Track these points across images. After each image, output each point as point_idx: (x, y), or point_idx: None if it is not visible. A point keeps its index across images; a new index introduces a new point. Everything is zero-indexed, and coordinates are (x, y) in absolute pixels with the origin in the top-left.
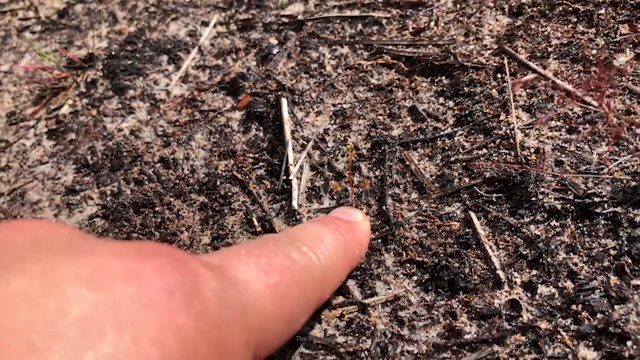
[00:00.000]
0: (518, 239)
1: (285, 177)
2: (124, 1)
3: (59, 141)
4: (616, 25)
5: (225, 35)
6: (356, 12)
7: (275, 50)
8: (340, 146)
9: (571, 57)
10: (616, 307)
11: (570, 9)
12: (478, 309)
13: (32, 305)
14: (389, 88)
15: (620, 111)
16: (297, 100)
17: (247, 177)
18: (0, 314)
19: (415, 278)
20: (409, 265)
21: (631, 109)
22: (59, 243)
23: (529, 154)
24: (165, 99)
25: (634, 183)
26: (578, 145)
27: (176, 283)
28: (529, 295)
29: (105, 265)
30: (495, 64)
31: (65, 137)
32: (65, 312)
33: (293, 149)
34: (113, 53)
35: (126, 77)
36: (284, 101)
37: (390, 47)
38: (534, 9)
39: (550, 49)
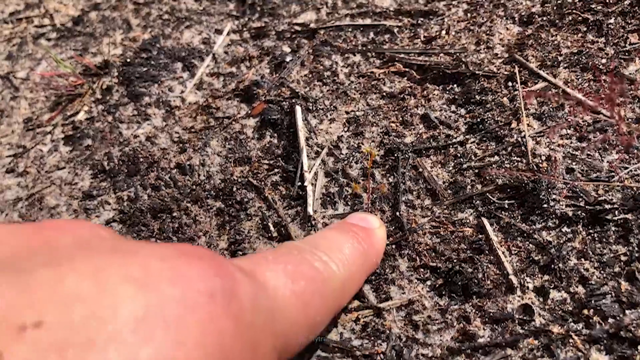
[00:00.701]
0: (530, 244)
1: (300, 184)
2: (137, 9)
3: (75, 147)
4: (626, 35)
5: (238, 43)
6: (368, 21)
7: (288, 58)
8: (354, 153)
9: (581, 66)
10: (627, 312)
11: (579, 18)
12: (491, 313)
13: (87, 303)
14: (401, 96)
15: (630, 120)
16: (310, 107)
17: (263, 183)
18: (58, 311)
19: (429, 283)
20: (422, 270)
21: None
22: (104, 244)
23: (540, 161)
24: (180, 105)
25: None
26: (589, 153)
27: (217, 286)
28: (541, 300)
29: (152, 266)
30: (506, 73)
31: (82, 143)
32: (118, 312)
33: (307, 155)
34: (128, 60)
35: (141, 84)
36: (298, 109)
37: (402, 55)
38: (544, 18)
39: (560, 58)
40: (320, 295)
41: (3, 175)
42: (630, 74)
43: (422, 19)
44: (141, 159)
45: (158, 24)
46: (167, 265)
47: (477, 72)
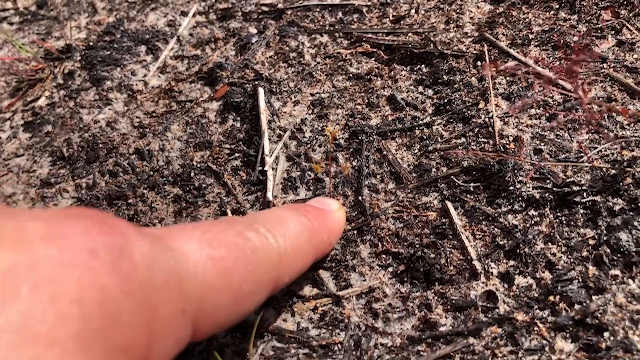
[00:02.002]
0: (495, 229)
1: (260, 168)
2: None
3: (35, 133)
4: (598, 12)
5: (204, 25)
6: (337, 0)
7: (254, 40)
8: (317, 136)
9: (552, 44)
10: (594, 297)
11: None
12: (454, 301)
13: None
14: (368, 77)
15: (601, 98)
16: (274, 89)
17: (223, 168)
18: None
19: (390, 269)
20: (384, 256)
21: (612, 96)
22: None
23: (507, 142)
24: (143, 89)
25: (613, 171)
26: (558, 133)
27: (101, 243)
28: (506, 286)
29: (27, 227)
30: (475, 52)
31: (42, 129)
32: None
33: (269, 139)
34: (91, 44)
35: (104, 68)
36: (261, 91)
37: (369, 35)
38: None
39: (531, 36)
40: (246, 263)
41: None
42: (602, 51)
43: None
44: (100, 145)
45: (124, 6)
46: (43, 224)
47: (445, 51)
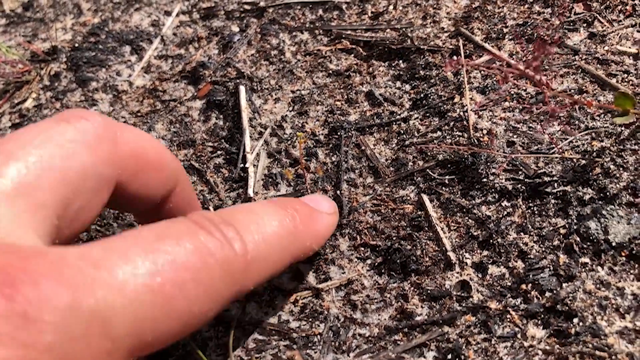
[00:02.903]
0: (469, 220)
1: (242, 165)
2: None
3: None
4: (571, 5)
5: (187, 24)
6: None
7: (236, 38)
8: (297, 133)
9: (526, 37)
10: (564, 285)
11: None
12: (429, 291)
13: None
14: (347, 73)
15: (572, 90)
16: (256, 87)
17: (205, 166)
18: None
19: (369, 262)
20: (363, 249)
21: (583, 87)
22: None
23: (481, 135)
24: (128, 90)
25: (583, 161)
26: (530, 125)
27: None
28: (480, 275)
29: None
30: (451, 47)
31: None
32: None
33: (251, 136)
34: (76, 45)
35: (89, 69)
36: (242, 89)
37: (349, 32)
38: None
39: (506, 30)
40: (198, 284)
41: None
42: (574, 44)
43: None
44: None
45: (109, 7)
46: None
47: (422, 46)
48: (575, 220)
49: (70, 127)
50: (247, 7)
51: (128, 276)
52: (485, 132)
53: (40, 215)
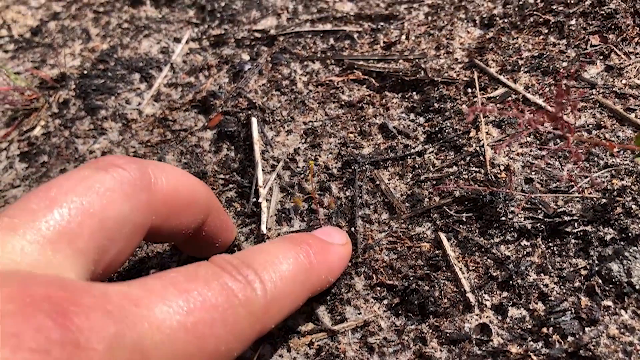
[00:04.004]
0: (488, 260)
1: (254, 200)
2: (97, 17)
3: (31, 164)
4: (587, 37)
5: (197, 52)
6: (328, 26)
7: (246, 67)
8: (309, 161)
9: (542, 69)
10: (587, 329)
11: (541, 20)
12: (448, 334)
13: None
14: (360, 105)
15: (590, 125)
16: (267, 119)
17: (218, 199)
18: None
19: (385, 302)
20: (379, 288)
21: (601, 122)
22: None
23: (498, 171)
24: (137, 118)
25: (604, 200)
26: (548, 162)
27: (54, 340)
28: (500, 318)
29: None
30: (465, 79)
31: (38, 159)
32: None
33: (263, 169)
34: (85, 72)
35: (98, 97)
36: (254, 121)
37: (361, 62)
38: (505, 20)
39: (521, 62)
40: (225, 323)
41: None
42: (591, 77)
43: (382, 24)
44: None
45: (117, 33)
46: (1, 323)
47: (436, 78)
48: (596, 262)
49: (109, 176)
50: (257, 34)
51: (165, 315)
52: (502, 168)
53: (79, 261)
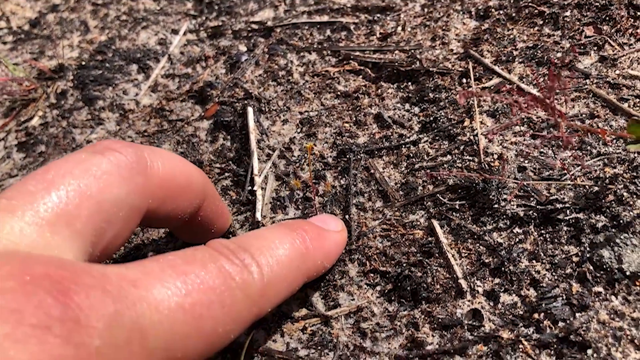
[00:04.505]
0: (480, 247)
1: (250, 188)
2: (96, 10)
3: (28, 154)
4: (581, 28)
5: (195, 43)
6: (325, 18)
7: (243, 58)
8: (306, 155)
9: (537, 60)
10: (577, 315)
11: (536, 11)
12: (440, 319)
13: None
14: (356, 95)
15: (584, 115)
16: (263, 108)
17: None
18: None
19: (378, 288)
20: (372, 275)
21: (595, 112)
22: None
23: (492, 160)
24: (134, 109)
25: (596, 188)
26: (541, 150)
27: (55, 317)
28: (491, 304)
29: None
30: (460, 69)
31: (35, 149)
32: None
33: (258, 158)
34: (83, 63)
35: (96, 88)
36: (250, 110)
37: (357, 53)
38: (501, 12)
39: (515, 53)
40: (223, 305)
41: None
42: (585, 67)
43: (378, 15)
44: None
45: (116, 25)
46: (1, 300)
47: (431, 69)
48: (588, 249)
49: (105, 160)
50: (254, 26)
51: (163, 295)
52: (496, 156)
53: (77, 243)
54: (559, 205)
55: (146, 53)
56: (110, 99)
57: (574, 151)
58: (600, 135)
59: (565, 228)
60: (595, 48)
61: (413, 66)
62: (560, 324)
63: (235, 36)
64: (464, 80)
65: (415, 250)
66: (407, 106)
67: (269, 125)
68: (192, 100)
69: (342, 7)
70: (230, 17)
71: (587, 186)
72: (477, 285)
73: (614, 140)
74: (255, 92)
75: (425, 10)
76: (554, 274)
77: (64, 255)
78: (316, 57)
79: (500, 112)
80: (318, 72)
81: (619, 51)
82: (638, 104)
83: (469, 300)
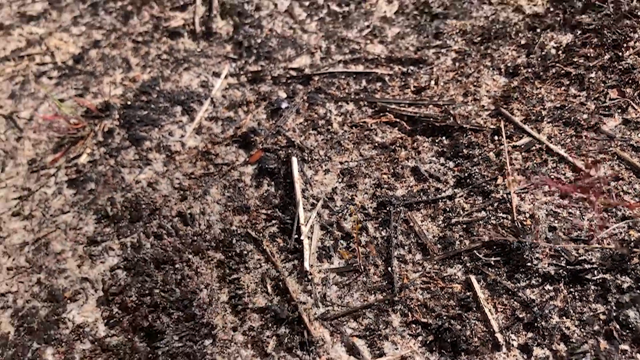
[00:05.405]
0: (515, 302)
1: (296, 237)
2: (136, 47)
3: (79, 190)
4: (605, 90)
5: (236, 87)
6: (360, 68)
7: (284, 105)
8: (348, 205)
9: (564, 120)
10: None
11: (562, 71)
12: None
13: None
14: (393, 147)
15: (609, 177)
16: (306, 157)
17: (261, 234)
18: None
19: (420, 338)
20: (414, 325)
21: (619, 174)
22: None
23: (524, 218)
24: (180, 150)
25: (622, 250)
26: (570, 211)
27: None
28: (525, 357)
29: None
30: (492, 126)
31: (85, 186)
32: None
33: (303, 207)
34: (128, 103)
35: (142, 128)
36: (294, 160)
37: (393, 105)
38: (529, 69)
39: (544, 112)
40: None
41: (9, 218)
42: (610, 129)
43: (412, 68)
44: (143, 206)
45: (157, 63)
46: None
47: (464, 125)
48: (614, 307)
49: None
50: (293, 73)
51: None
52: (527, 215)
53: None
54: (587, 266)
55: (189, 95)
56: (156, 140)
57: (599, 214)
58: (628, 209)
59: (593, 287)
60: (620, 110)
61: (447, 122)
62: None
63: (275, 82)
64: (496, 138)
65: (454, 304)
66: (442, 160)
67: (312, 175)
68: (236, 145)
69: (376, 58)
70: (269, 62)
71: (613, 248)
72: (512, 339)
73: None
74: (298, 141)
75: (457, 64)
76: (582, 330)
77: None
78: (353, 107)
79: (530, 170)
80: (356, 123)
81: None
82: None
83: (504, 353)
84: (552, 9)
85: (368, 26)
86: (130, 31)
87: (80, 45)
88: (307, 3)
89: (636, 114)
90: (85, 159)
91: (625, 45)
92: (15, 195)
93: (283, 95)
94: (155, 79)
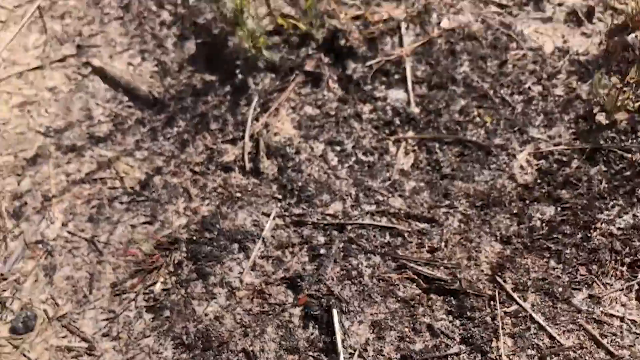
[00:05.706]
0: None
1: None
2: (195, 178)
3: (156, 316)
4: (577, 266)
5: (282, 228)
6: (384, 220)
7: (322, 251)
8: (378, 356)
9: (544, 291)
10: None
11: (545, 245)
12: None
13: None
14: (412, 303)
15: (576, 346)
16: (344, 309)
17: None
18: None
19: None
20: None
21: (584, 345)
22: None
23: None
24: (240, 286)
25: None
26: None
27: None
28: None
29: None
30: (489, 292)
31: (162, 313)
32: None
33: (344, 357)
34: (194, 238)
35: (207, 264)
36: (335, 312)
37: (411, 264)
38: (519, 240)
39: (529, 282)
40: None
41: (101, 338)
42: (578, 302)
43: (425, 226)
44: (213, 338)
45: (214, 196)
46: None
47: (468, 290)
48: None
49: None
50: (329, 219)
51: None
52: None
53: None
54: None
55: (244, 234)
56: (219, 275)
57: None
58: None
59: None
60: (586, 286)
61: (455, 285)
62: None
63: (314, 226)
64: (492, 303)
65: None
66: (450, 318)
67: (349, 326)
68: (286, 285)
69: (397, 212)
70: (309, 206)
71: None
72: None
73: None
74: (337, 291)
75: (462, 227)
76: None
77: None
78: (380, 260)
79: (517, 335)
80: (382, 277)
81: (604, 290)
82: (614, 341)
83: None
84: (539, 181)
85: (389, 177)
86: (188, 159)
87: (144, 171)
88: (338, 148)
89: (599, 290)
90: (159, 287)
91: (593, 226)
92: (103, 317)
93: (322, 240)
94: (215, 215)
